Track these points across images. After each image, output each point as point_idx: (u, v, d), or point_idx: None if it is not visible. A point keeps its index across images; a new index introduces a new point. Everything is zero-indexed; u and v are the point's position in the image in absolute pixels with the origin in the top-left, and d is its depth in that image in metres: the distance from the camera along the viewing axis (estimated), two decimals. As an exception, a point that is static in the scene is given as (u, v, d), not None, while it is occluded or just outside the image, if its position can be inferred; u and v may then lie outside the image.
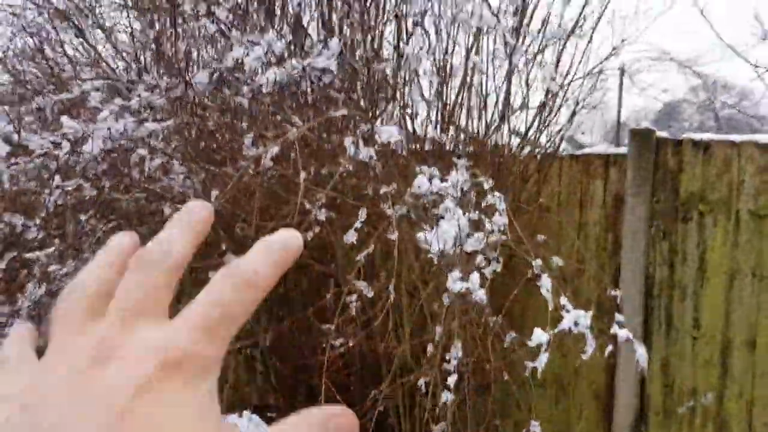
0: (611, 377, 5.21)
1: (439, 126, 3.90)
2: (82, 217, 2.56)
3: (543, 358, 2.07)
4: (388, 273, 2.59)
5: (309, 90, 2.55)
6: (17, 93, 3.89)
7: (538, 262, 2.29)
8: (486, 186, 2.33)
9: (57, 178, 2.30)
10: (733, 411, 4.82)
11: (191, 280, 3.08)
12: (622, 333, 2.33)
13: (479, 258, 2.31)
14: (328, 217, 2.35)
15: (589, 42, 4.46)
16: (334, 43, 2.43)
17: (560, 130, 4.77)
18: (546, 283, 2.18)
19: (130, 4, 3.32)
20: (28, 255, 2.77)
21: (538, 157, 4.87)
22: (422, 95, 2.95)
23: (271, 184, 2.25)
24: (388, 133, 2.41)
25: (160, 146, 2.48)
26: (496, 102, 4.42)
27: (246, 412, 6.12)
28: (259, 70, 2.25)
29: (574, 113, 4.67)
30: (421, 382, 2.40)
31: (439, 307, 2.51)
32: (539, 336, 2.05)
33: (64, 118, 2.26)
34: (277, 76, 2.23)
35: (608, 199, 5.29)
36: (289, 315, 4.09)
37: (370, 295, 2.35)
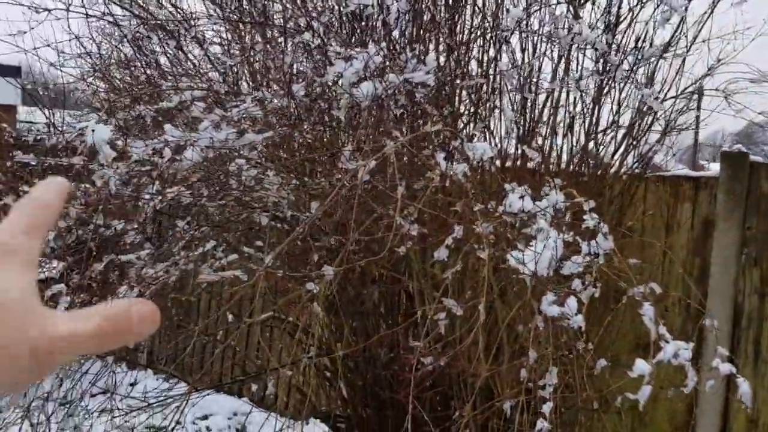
0: (691, 408, 5.00)
1: (521, 144, 3.84)
2: (180, 223, 2.64)
3: (646, 391, 1.98)
4: (473, 292, 2.55)
5: (404, 105, 2.55)
6: (113, 101, 4.03)
7: (640, 289, 2.20)
8: (586, 207, 2.26)
9: (157, 184, 2.37)
10: (825, 451, 4.56)
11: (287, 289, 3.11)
12: (725, 367, 2.22)
13: (576, 282, 2.24)
14: (420, 233, 2.34)
15: (683, 62, 4.31)
16: (431, 58, 2.41)
17: (649, 151, 4.62)
18: (649, 311, 2.10)
19: (226, 15, 3.41)
20: (125, 257, 2.86)
21: (624, 177, 4.73)
22: (513, 111, 2.90)
23: (366, 198, 2.25)
24: (482, 149, 2.38)
25: (255, 156, 2.53)
26: (584, 121, 4.31)
27: (313, 420, 6.16)
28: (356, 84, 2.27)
29: (664, 133, 4.52)
30: (507, 406, 2.35)
31: (526, 330, 2.45)
32: (641, 367, 1.97)
33: (168, 126, 2.32)
34: (376, 90, 2.24)
35: (696, 224, 5.09)
36: (362, 328, 4.09)
37: (459, 313, 2.31)
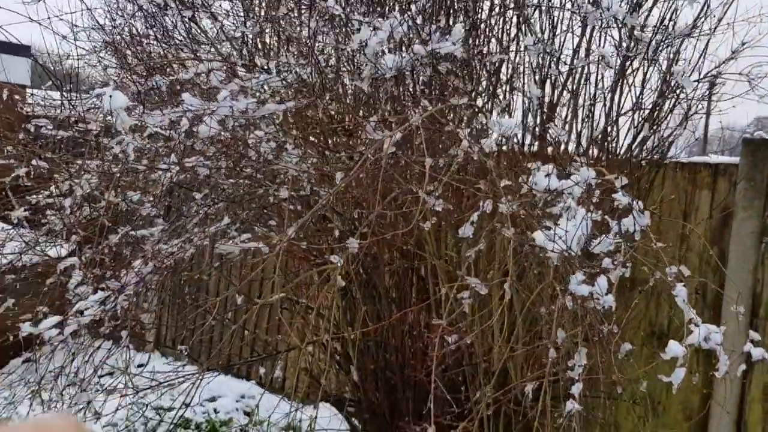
0: (706, 399, 4.93)
1: (542, 124, 3.75)
2: (197, 196, 2.57)
3: (679, 373, 1.92)
4: (492, 271, 2.49)
5: (430, 77, 2.47)
6: (125, 76, 3.97)
7: (673, 269, 2.13)
8: (618, 184, 2.19)
9: (173, 155, 2.31)
10: (843, 444, 4.48)
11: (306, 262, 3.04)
12: (757, 352, 2.15)
13: (606, 260, 2.17)
14: (444, 208, 2.27)
15: (707, 44, 4.21)
16: (458, 29, 2.33)
17: (670, 136, 4.53)
18: (682, 292, 2.03)
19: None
20: (139, 233, 2.80)
21: (643, 163, 4.64)
22: (537, 89, 2.82)
23: (391, 171, 2.19)
24: (508, 124, 2.31)
25: (274, 130, 2.46)
26: (604, 104, 4.22)
27: (324, 404, 6.12)
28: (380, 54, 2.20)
29: (686, 118, 4.42)
30: (528, 388, 2.29)
31: (548, 313, 2.39)
32: (674, 349, 1.91)
33: (186, 96, 2.26)
34: (402, 60, 2.17)
35: (715, 212, 5.00)
36: (374, 311, 4.03)
37: (484, 291, 2.25)
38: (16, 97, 4.28)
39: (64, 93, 3.53)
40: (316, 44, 2.61)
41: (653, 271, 2.26)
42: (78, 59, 4.54)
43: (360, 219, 2.40)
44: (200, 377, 6.42)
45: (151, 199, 2.67)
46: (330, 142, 2.64)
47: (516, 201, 2.19)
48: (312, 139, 2.60)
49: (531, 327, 2.94)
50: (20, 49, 11.80)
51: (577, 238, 2.04)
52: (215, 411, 6.93)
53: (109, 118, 2.12)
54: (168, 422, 6.53)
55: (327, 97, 2.52)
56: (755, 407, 4.76)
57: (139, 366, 7.50)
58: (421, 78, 2.47)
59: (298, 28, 2.67)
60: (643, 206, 2.15)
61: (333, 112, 2.63)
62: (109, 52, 4.65)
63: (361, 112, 2.63)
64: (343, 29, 2.59)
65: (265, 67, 2.46)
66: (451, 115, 2.56)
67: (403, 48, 2.28)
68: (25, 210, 3.92)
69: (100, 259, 2.81)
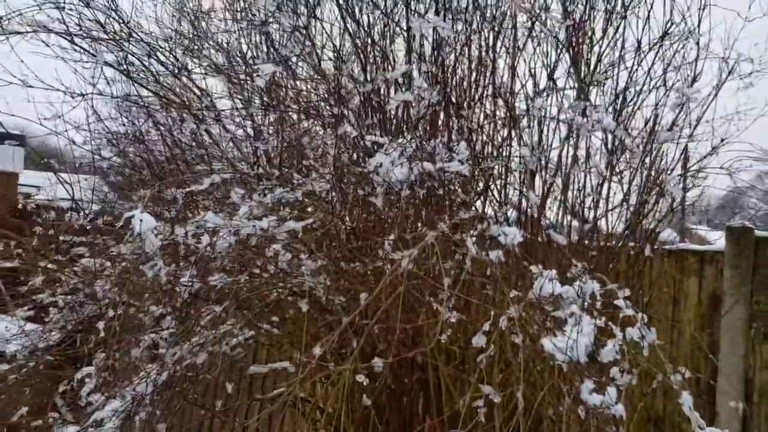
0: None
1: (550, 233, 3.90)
2: (216, 308, 2.66)
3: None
4: (506, 378, 2.56)
5: (439, 193, 2.62)
6: (133, 178, 4.10)
7: (678, 377, 2.23)
8: (620, 295, 2.31)
9: (193, 268, 2.41)
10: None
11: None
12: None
13: (614, 369, 2.27)
14: (458, 319, 2.38)
15: (686, 147, 4.44)
16: (462, 146, 2.50)
17: (656, 227, 4.70)
18: (687, 401, 2.12)
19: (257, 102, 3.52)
20: (147, 338, 2.86)
21: (632, 252, 4.80)
22: (534, 195, 2.99)
23: (409, 287, 2.30)
24: (512, 234, 2.44)
25: (290, 241, 2.58)
26: (593, 199, 4.41)
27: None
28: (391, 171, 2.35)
29: (671, 210, 4.61)
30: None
31: (556, 415, 2.46)
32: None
33: (210, 215, 2.38)
34: (411, 175, 2.31)
35: (704, 298, 5.14)
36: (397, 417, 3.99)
37: (498, 400, 2.32)
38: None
39: (73, 196, 3.64)
40: (329, 161, 2.77)
41: (657, 374, 2.35)
42: (80, 160, 4.67)
43: (379, 335, 2.49)
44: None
45: (170, 310, 2.76)
46: (346, 255, 2.76)
47: (524, 307, 2.30)
48: (327, 252, 2.72)
49: (536, 427, 2.99)
50: (12, 137, 11.93)
51: (583, 346, 2.15)
52: None
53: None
54: None
55: (344, 214, 2.66)
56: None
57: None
58: (433, 191, 2.63)
59: (311, 142, 2.83)
60: (646, 319, 2.27)
61: (349, 228, 2.77)
62: (113, 152, 4.80)
63: (375, 229, 2.77)
64: (354, 145, 2.76)
65: (276, 178, 2.60)
66: (462, 223, 2.70)
67: (411, 165, 2.44)
68: (28, 309, 3.98)
69: (111, 365, 2.85)
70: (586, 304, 2.29)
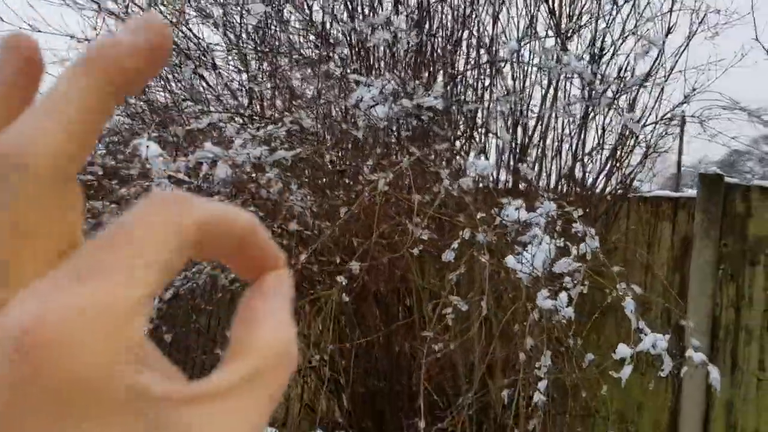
0: (674, 417, 5.27)
1: (514, 163, 4.17)
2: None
3: (627, 371, 2.28)
4: (476, 292, 2.85)
5: (414, 126, 2.87)
6: (136, 126, 4.34)
7: (622, 285, 2.51)
8: (575, 215, 2.58)
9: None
10: (799, 455, 4.82)
11: (306, 288, 3.39)
12: (697, 356, 2.52)
13: (566, 279, 2.54)
14: (429, 237, 2.65)
15: (662, 90, 4.69)
16: (438, 85, 2.74)
17: (631, 173, 4.97)
18: (630, 304, 2.40)
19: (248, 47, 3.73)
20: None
21: (608, 198, 5.07)
22: (507, 132, 3.24)
23: (384, 206, 2.56)
24: (483, 165, 2.70)
25: (283, 175, 2.83)
26: (571, 145, 4.67)
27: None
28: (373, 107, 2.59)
29: (645, 156, 4.87)
30: (504, 393, 2.63)
31: (521, 326, 2.74)
32: (623, 350, 2.27)
33: (207, 145, 2.63)
34: (391, 111, 2.55)
35: (676, 241, 5.42)
36: (362, 334, 4.35)
37: (465, 308, 2.61)
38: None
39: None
40: (315, 98, 3.01)
41: (611, 291, 2.64)
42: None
43: (358, 248, 2.75)
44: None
45: None
46: (330, 183, 3.02)
47: (491, 231, 2.57)
48: (314, 180, 2.98)
49: (506, 342, 3.29)
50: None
51: (541, 261, 2.41)
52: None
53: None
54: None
55: (328, 145, 2.91)
56: (718, 423, 5.10)
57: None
58: (410, 126, 2.86)
59: (299, 83, 3.06)
60: (594, 233, 2.54)
61: (334, 158, 3.02)
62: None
63: (357, 157, 3.01)
64: (339, 84, 2.99)
65: (268, 117, 2.85)
66: (434, 157, 2.96)
67: (393, 100, 2.67)
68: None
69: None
70: (546, 227, 2.55)
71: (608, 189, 4.97)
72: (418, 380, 2.34)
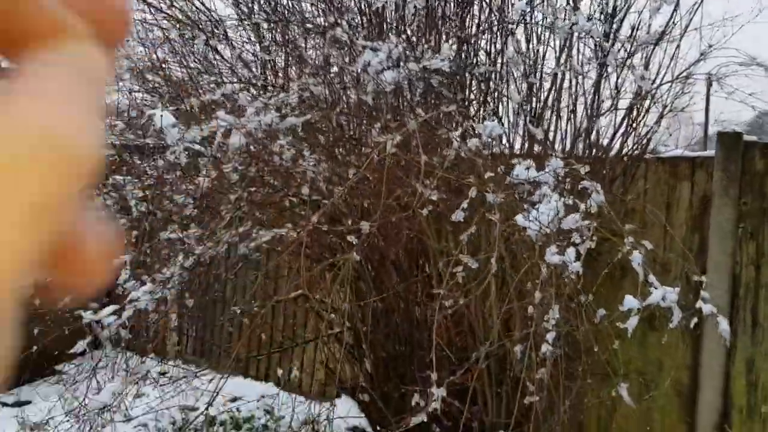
0: (695, 375, 5.30)
1: (528, 126, 4.17)
2: (231, 197, 3.01)
3: (633, 321, 2.32)
4: (488, 250, 2.90)
5: (423, 90, 2.90)
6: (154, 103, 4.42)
7: (631, 239, 2.54)
8: (582, 171, 2.61)
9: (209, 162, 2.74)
10: (819, 410, 4.81)
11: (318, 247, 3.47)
12: (707, 308, 2.55)
13: (575, 236, 2.58)
14: (438, 198, 2.70)
15: (678, 48, 4.64)
16: (445, 47, 2.76)
17: (647, 133, 4.94)
18: (637, 258, 2.43)
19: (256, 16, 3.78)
20: (174, 236, 3.24)
21: (626, 159, 5.05)
22: (519, 94, 3.25)
23: (392, 168, 2.61)
24: (491, 127, 2.73)
25: (292, 140, 2.89)
26: (585, 105, 4.65)
27: (340, 395, 6.53)
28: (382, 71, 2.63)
29: (661, 116, 4.84)
30: (517, 348, 2.69)
31: (533, 284, 2.79)
32: (630, 302, 2.31)
33: (220, 113, 2.70)
34: (400, 76, 2.59)
35: (695, 201, 5.40)
36: (383, 306, 4.44)
37: (475, 266, 2.66)
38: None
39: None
40: (326, 66, 3.04)
41: (620, 247, 2.67)
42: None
43: (369, 209, 2.81)
44: (222, 377, 6.90)
45: (191, 201, 3.11)
46: (341, 148, 3.07)
47: (501, 192, 2.61)
48: (325, 146, 3.04)
49: (521, 299, 3.34)
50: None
51: (550, 217, 2.45)
52: (237, 410, 7.34)
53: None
54: (194, 420, 6.95)
55: (337, 110, 2.95)
56: (739, 380, 5.12)
57: (161, 374, 7.90)
58: (417, 90, 2.89)
59: (310, 51, 3.10)
60: (599, 188, 2.56)
61: (343, 123, 3.06)
62: (132, 77, 5.11)
63: (366, 122, 3.05)
64: (348, 50, 3.02)
65: (281, 87, 2.90)
66: (444, 121, 2.99)
67: (401, 65, 2.70)
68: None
69: (143, 259, 3.23)
70: (555, 186, 2.58)
71: (625, 150, 4.95)
72: (431, 336, 2.40)
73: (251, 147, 2.82)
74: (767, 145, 5.14)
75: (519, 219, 2.53)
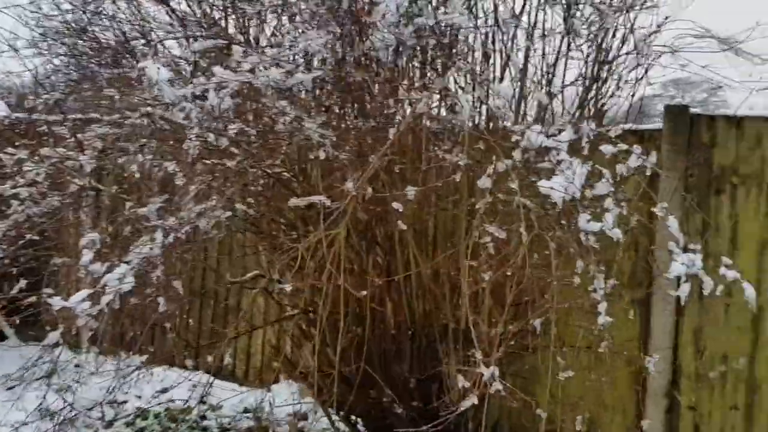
0: (644, 344, 5.39)
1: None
2: (229, 163, 2.69)
3: (685, 288, 2.25)
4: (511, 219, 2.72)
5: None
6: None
7: (664, 204, 2.47)
8: (612, 134, 2.50)
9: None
10: (764, 375, 4.98)
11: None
12: (731, 273, 2.53)
13: (608, 201, 2.48)
14: (465, 164, 2.52)
15: (635, 19, 4.65)
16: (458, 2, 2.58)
17: (602, 106, 4.95)
18: (674, 223, 2.36)
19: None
20: (140, 211, 2.89)
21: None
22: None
23: (419, 132, 2.41)
24: (504, 90, 2.58)
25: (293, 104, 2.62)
26: (541, 78, 4.57)
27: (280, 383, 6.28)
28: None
29: (617, 88, 4.85)
30: (537, 322, 2.58)
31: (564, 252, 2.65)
32: (678, 268, 2.24)
33: (217, 68, 2.39)
34: (409, 33, 2.38)
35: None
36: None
37: (503, 236, 2.51)
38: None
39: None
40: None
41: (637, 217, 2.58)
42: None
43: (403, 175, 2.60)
44: (149, 368, 6.49)
45: (179, 169, 2.77)
46: (351, 109, 2.82)
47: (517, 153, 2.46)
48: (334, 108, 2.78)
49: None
50: None
51: (578, 182, 2.33)
52: (171, 401, 6.93)
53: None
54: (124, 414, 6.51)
55: (349, 68, 2.70)
56: (688, 348, 5.24)
57: (76, 366, 7.35)
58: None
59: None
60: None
61: (359, 79, 2.80)
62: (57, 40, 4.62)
63: (385, 81, 2.82)
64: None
65: (297, 39, 2.61)
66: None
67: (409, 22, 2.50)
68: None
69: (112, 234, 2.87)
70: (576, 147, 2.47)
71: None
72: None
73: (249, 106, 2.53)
74: (713, 117, 5.27)
75: (543, 185, 2.40)
